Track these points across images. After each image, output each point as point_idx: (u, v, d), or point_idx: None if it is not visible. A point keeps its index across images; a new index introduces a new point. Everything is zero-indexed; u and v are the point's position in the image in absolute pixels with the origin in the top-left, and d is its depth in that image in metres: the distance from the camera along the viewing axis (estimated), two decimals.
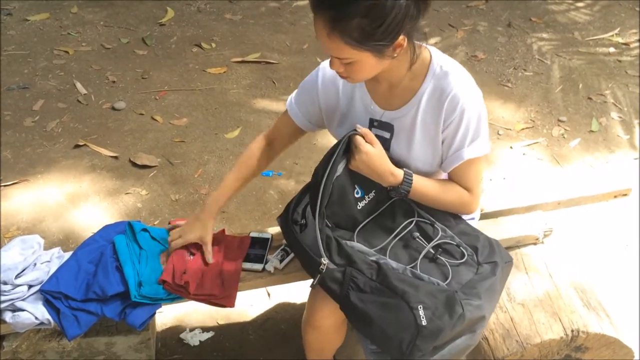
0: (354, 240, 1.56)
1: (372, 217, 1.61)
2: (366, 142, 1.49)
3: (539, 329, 1.69)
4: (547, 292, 1.79)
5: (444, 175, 1.67)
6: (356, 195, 1.58)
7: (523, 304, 1.76)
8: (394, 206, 1.64)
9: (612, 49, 4.14)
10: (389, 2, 1.27)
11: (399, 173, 1.53)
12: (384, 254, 1.53)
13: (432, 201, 1.61)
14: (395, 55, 1.40)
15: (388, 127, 1.58)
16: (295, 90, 1.74)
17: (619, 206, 2.61)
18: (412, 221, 1.60)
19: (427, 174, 1.61)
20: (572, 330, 1.67)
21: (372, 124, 1.60)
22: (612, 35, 4.30)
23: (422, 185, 1.56)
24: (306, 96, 1.69)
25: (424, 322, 1.38)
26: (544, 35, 4.28)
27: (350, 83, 1.55)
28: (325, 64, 1.63)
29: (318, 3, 1.31)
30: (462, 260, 1.53)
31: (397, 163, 1.58)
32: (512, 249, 1.92)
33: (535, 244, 1.95)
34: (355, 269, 1.47)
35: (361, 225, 1.59)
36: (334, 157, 1.49)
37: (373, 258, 1.50)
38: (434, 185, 1.59)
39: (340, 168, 1.54)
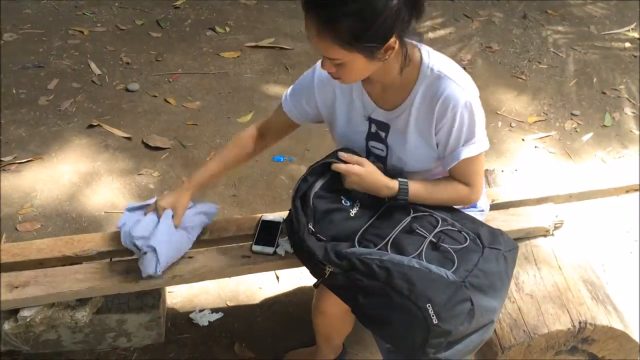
0: (355, 246, 1.53)
1: (369, 222, 1.60)
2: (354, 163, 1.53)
3: (546, 319, 1.70)
4: (555, 283, 1.80)
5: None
6: (345, 205, 1.59)
7: (531, 294, 1.77)
8: (390, 207, 1.62)
9: (627, 44, 4.10)
10: (380, 4, 1.26)
11: (394, 185, 1.55)
12: (385, 250, 1.50)
13: (431, 201, 1.62)
14: (387, 57, 1.38)
15: (384, 126, 1.59)
16: (290, 87, 1.74)
17: (631, 201, 2.62)
18: (409, 217, 1.58)
19: (424, 171, 1.62)
20: (580, 322, 1.68)
21: (371, 122, 1.61)
22: (628, 30, 4.27)
23: (417, 191, 1.57)
24: (302, 95, 1.69)
25: (435, 321, 1.38)
26: (560, 28, 4.25)
27: (343, 83, 1.55)
28: (319, 64, 1.63)
29: (309, 3, 1.30)
30: (465, 244, 1.52)
31: (395, 160, 1.61)
32: (522, 240, 1.92)
33: (545, 235, 1.95)
34: (358, 272, 1.44)
35: (360, 233, 1.56)
36: (309, 172, 1.56)
37: (375, 257, 1.46)
38: (430, 187, 1.60)
39: (318, 185, 1.56)
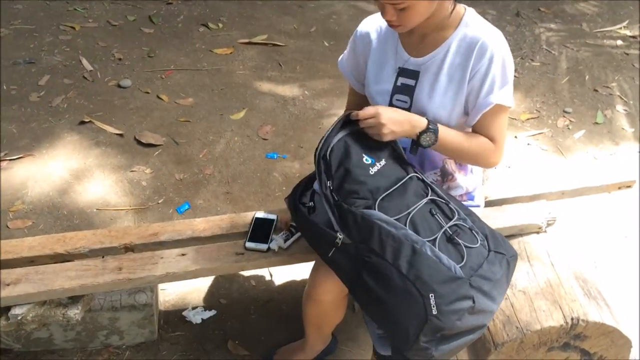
0: (374, 209, 1.48)
1: (394, 188, 1.53)
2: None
3: (539, 316, 1.70)
4: (548, 280, 1.80)
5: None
6: (366, 162, 1.53)
7: (524, 291, 1.78)
8: (412, 182, 1.58)
9: (619, 42, 4.13)
10: None
11: (423, 118, 1.54)
12: (403, 224, 1.48)
13: (458, 148, 1.58)
14: None
15: (414, 74, 1.60)
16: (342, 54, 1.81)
17: (622, 198, 2.63)
18: (428, 199, 1.55)
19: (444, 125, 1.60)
20: (572, 319, 1.69)
21: (399, 74, 1.63)
22: (620, 28, 4.29)
23: (446, 130, 1.56)
24: (351, 51, 1.75)
25: (434, 312, 1.38)
26: (552, 26, 4.26)
27: (401, 32, 1.56)
28: (364, 21, 1.71)
29: None
30: (475, 246, 1.51)
31: (417, 111, 1.60)
32: (515, 237, 1.93)
33: (538, 232, 1.95)
34: (368, 247, 1.44)
35: (382, 196, 1.50)
36: (329, 132, 1.51)
37: (392, 229, 1.44)
38: (457, 133, 1.59)
39: (336, 139, 1.52)
